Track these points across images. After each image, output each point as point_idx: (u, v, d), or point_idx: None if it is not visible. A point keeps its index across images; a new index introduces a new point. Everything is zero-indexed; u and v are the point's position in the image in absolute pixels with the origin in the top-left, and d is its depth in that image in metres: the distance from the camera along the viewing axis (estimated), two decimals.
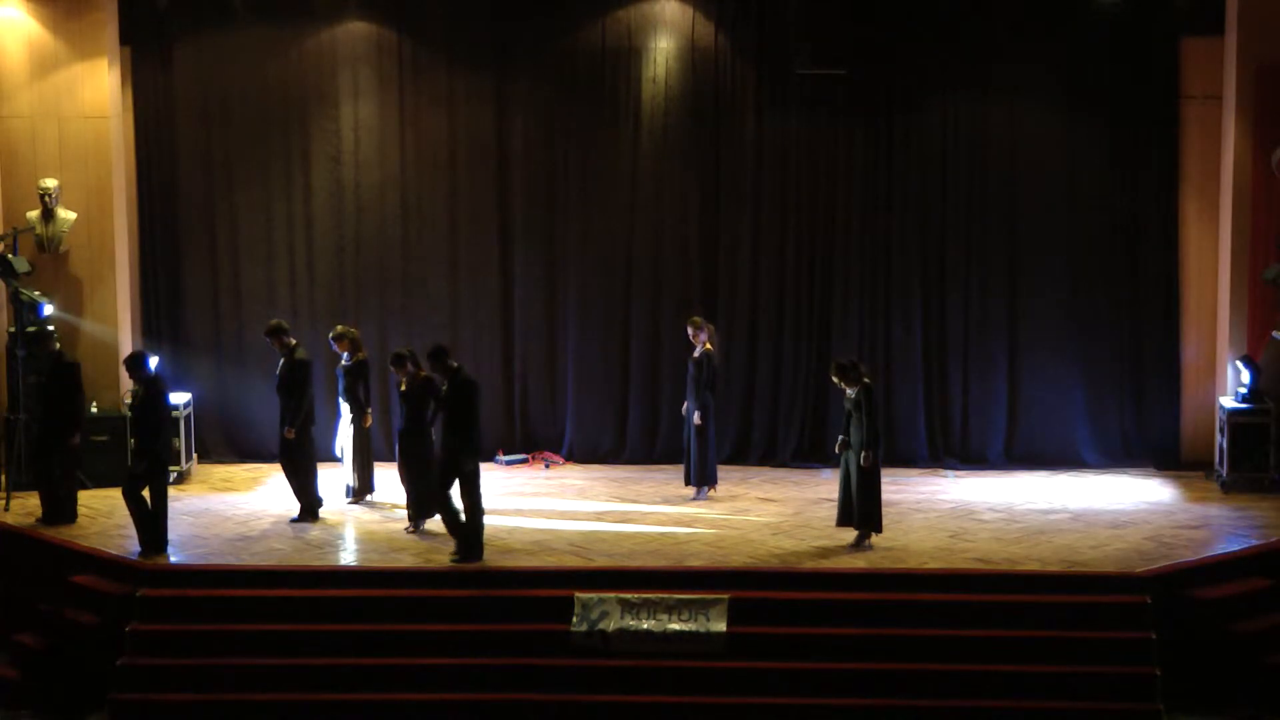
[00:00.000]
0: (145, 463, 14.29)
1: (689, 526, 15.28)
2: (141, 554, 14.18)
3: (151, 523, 14.28)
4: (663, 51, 17.99)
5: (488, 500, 16.29)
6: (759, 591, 13.43)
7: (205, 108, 18.13)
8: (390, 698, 12.92)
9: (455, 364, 14.37)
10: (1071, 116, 17.65)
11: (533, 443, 18.49)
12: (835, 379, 14.43)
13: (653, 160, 18.06)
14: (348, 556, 14.57)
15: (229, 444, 18.34)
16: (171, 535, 14.60)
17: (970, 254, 17.90)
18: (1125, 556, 14.05)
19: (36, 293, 16.65)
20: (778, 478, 17.53)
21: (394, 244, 18.28)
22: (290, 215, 18.29)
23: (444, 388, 14.27)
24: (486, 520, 14.43)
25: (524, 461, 18.24)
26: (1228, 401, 16.70)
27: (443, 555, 14.13)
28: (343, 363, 16.12)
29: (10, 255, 16.17)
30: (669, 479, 17.00)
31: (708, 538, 14.83)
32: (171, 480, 16.83)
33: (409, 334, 17.62)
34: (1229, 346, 17.01)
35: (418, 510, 15.00)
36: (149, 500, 14.29)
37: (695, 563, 13.95)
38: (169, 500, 14.55)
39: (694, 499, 16.30)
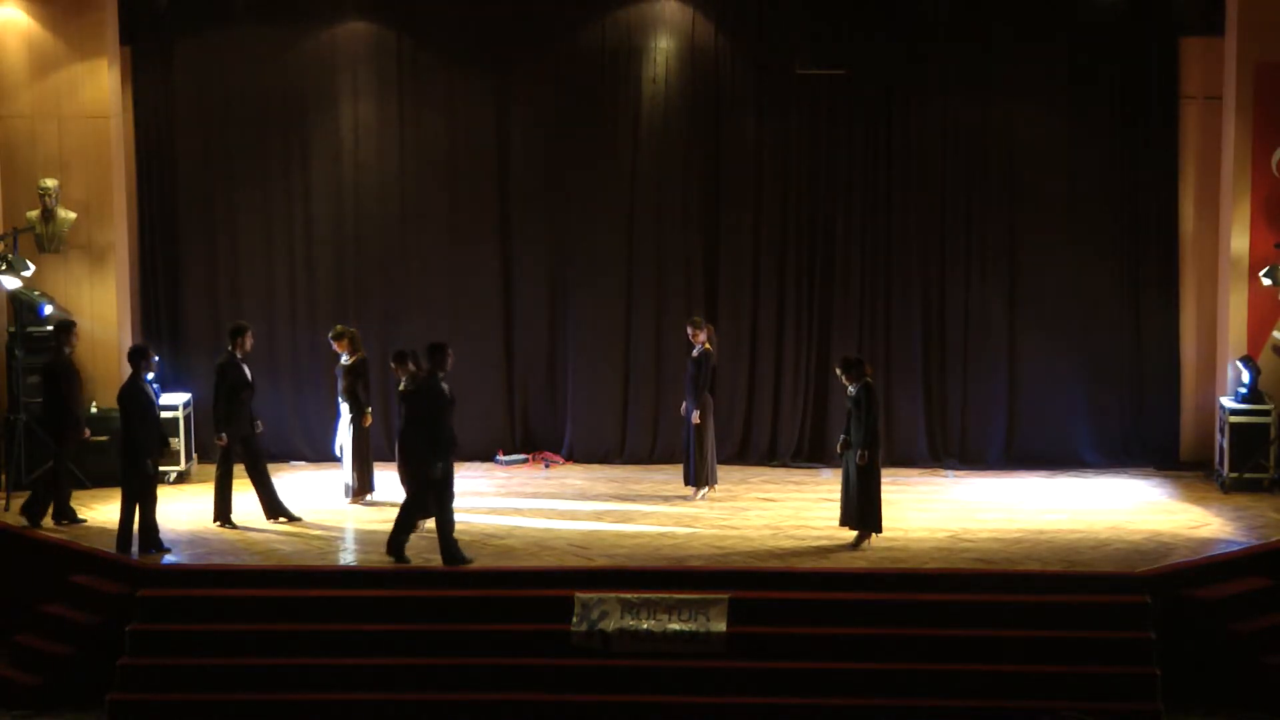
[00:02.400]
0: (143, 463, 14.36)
1: (689, 526, 15.27)
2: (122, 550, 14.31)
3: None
4: (663, 51, 17.99)
5: (488, 500, 16.35)
6: (759, 591, 13.42)
7: (205, 108, 18.13)
8: (390, 698, 12.91)
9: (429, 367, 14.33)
10: (1071, 116, 17.65)
11: (533, 443, 18.49)
12: (839, 372, 14.46)
13: (653, 160, 18.06)
14: (348, 556, 14.56)
15: None
16: (172, 535, 14.61)
17: (970, 254, 17.90)
18: (1125, 556, 14.05)
19: (36, 293, 16.65)
20: (778, 478, 17.52)
21: (394, 243, 18.29)
22: (290, 215, 18.30)
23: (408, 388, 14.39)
24: (486, 520, 14.52)
25: (524, 461, 18.24)
26: (1228, 401, 16.70)
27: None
28: (342, 362, 16.12)
29: (10, 255, 16.16)
30: (669, 479, 16.99)
31: (708, 538, 14.82)
32: (172, 480, 16.91)
33: (408, 333, 17.60)
34: (1229, 346, 17.00)
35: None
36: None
37: (695, 563, 13.94)
38: (159, 501, 14.63)
39: (694, 499, 16.30)
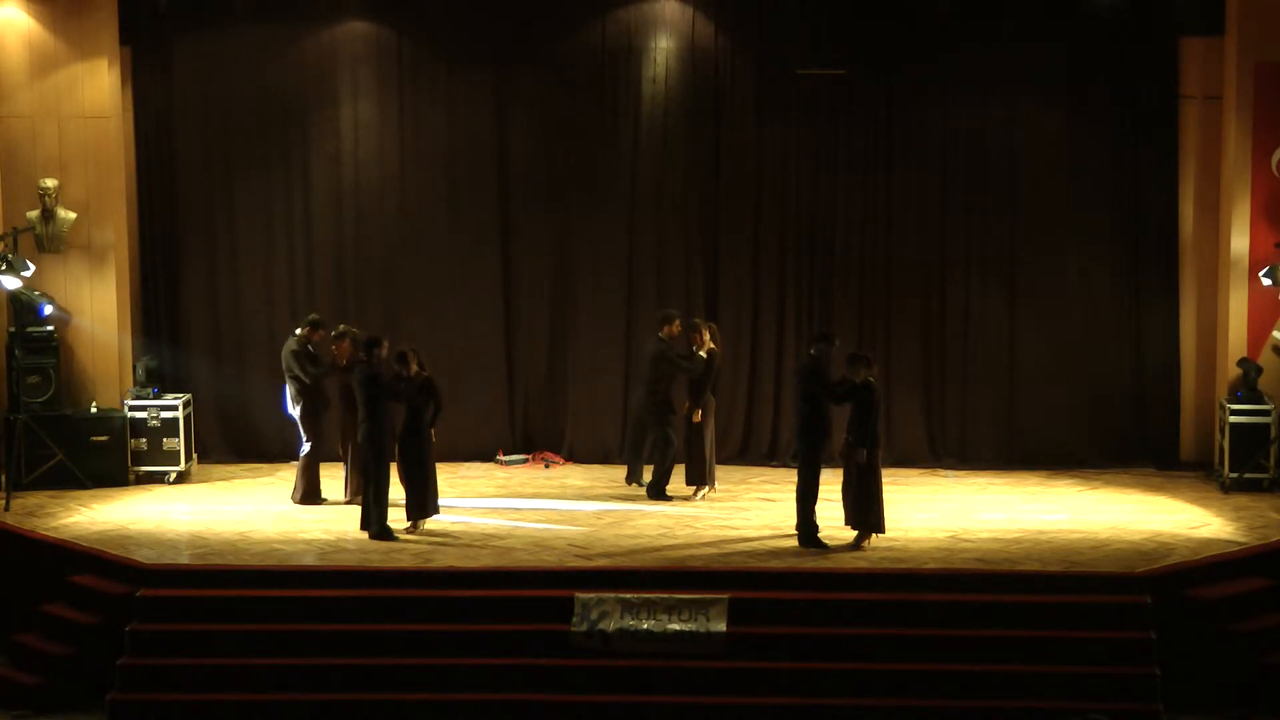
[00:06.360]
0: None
1: (689, 526, 15.27)
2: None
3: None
4: (663, 51, 17.98)
5: (488, 501, 16.36)
6: (759, 591, 13.43)
7: (205, 108, 18.12)
8: (390, 698, 12.91)
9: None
10: (1071, 116, 17.64)
11: (533, 443, 18.49)
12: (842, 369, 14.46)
13: (653, 160, 18.06)
14: (348, 556, 14.55)
15: (228, 444, 18.32)
16: (172, 535, 14.63)
17: (970, 253, 17.90)
18: (1125, 556, 14.05)
19: (36, 293, 16.65)
20: (778, 478, 17.47)
21: (394, 244, 18.28)
22: (290, 215, 18.29)
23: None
24: (486, 520, 14.70)
25: (524, 462, 18.24)
26: (1228, 401, 16.69)
27: (443, 555, 14.16)
28: (343, 362, 16.10)
29: (10, 255, 16.17)
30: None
31: (708, 537, 14.82)
32: (172, 480, 16.91)
33: (408, 333, 17.59)
34: (1229, 346, 17.00)
35: (417, 510, 14.99)
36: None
37: (695, 563, 13.94)
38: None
39: (694, 499, 16.30)
